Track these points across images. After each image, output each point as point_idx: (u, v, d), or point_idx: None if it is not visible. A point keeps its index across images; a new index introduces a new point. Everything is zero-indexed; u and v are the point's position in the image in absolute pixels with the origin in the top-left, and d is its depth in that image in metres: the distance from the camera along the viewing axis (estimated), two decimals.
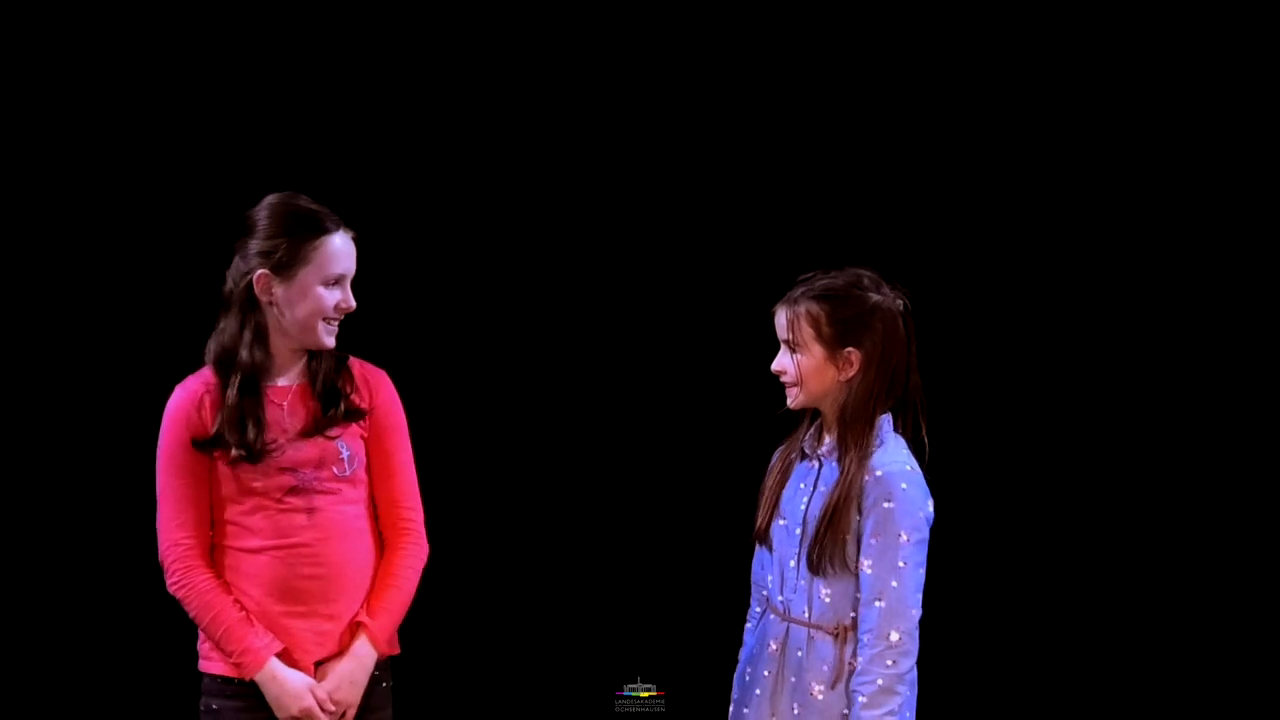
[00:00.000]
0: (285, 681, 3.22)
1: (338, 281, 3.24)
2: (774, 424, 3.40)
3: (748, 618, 3.40)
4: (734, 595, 3.45)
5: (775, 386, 3.33)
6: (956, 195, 4.31)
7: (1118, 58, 4.28)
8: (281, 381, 3.27)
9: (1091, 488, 4.32)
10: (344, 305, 3.24)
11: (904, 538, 3.14)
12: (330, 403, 3.26)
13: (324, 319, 3.23)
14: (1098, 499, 4.31)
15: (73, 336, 4.20)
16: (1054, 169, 4.31)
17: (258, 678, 3.22)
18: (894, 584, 3.13)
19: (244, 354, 3.22)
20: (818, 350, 3.24)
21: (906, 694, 3.17)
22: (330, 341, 3.26)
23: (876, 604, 3.14)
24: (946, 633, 3.65)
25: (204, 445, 3.23)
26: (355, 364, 3.34)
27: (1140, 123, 4.29)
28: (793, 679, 3.25)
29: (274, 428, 3.24)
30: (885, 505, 3.14)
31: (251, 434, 3.21)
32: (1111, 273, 4.32)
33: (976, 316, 4.30)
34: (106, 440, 4.16)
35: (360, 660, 3.28)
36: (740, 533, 3.43)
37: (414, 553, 3.34)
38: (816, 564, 3.19)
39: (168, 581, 3.25)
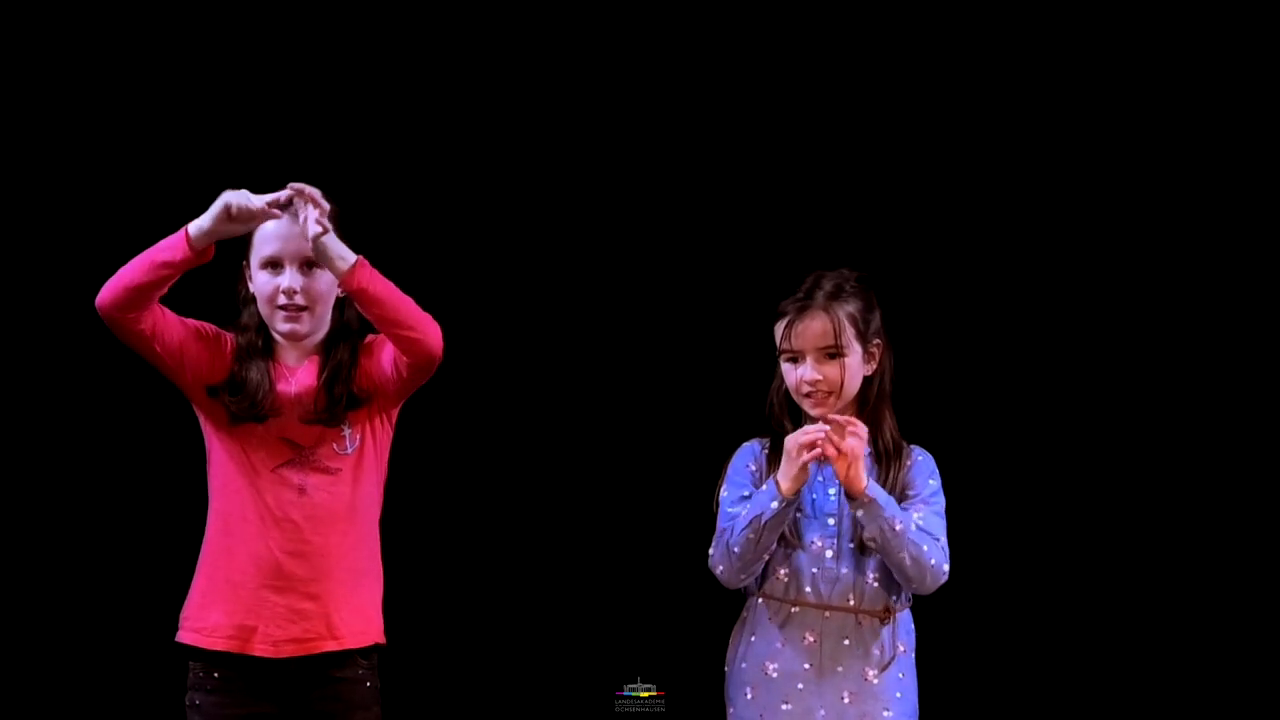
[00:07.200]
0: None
1: (274, 265, 3.21)
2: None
3: (744, 620, 3.39)
4: (734, 595, 3.44)
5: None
6: (934, 199, 4.32)
7: (1091, 59, 4.28)
8: (290, 361, 3.26)
9: (1081, 484, 4.32)
10: (285, 290, 3.18)
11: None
12: (332, 394, 3.23)
13: (275, 306, 3.21)
14: (1087, 495, 4.32)
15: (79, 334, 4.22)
16: (1035, 166, 4.32)
17: (194, 231, 3.05)
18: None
19: (244, 338, 3.26)
20: (857, 350, 3.29)
21: (933, 565, 3.24)
22: (286, 329, 3.22)
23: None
24: (943, 631, 3.66)
25: (213, 390, 3.24)
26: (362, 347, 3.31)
27: (1129, 122, 4.30)
28: (839, 668, 3.26)
29: (281, 397, 3.24)
30: (931, 482, 3.31)
31: (253, 383, 3.20)
32: (1097, 270, 4.32)
33: (963, 316, 4.31)
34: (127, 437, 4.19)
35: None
36: None
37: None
38: (866, 544, 3.26)
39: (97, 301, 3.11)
